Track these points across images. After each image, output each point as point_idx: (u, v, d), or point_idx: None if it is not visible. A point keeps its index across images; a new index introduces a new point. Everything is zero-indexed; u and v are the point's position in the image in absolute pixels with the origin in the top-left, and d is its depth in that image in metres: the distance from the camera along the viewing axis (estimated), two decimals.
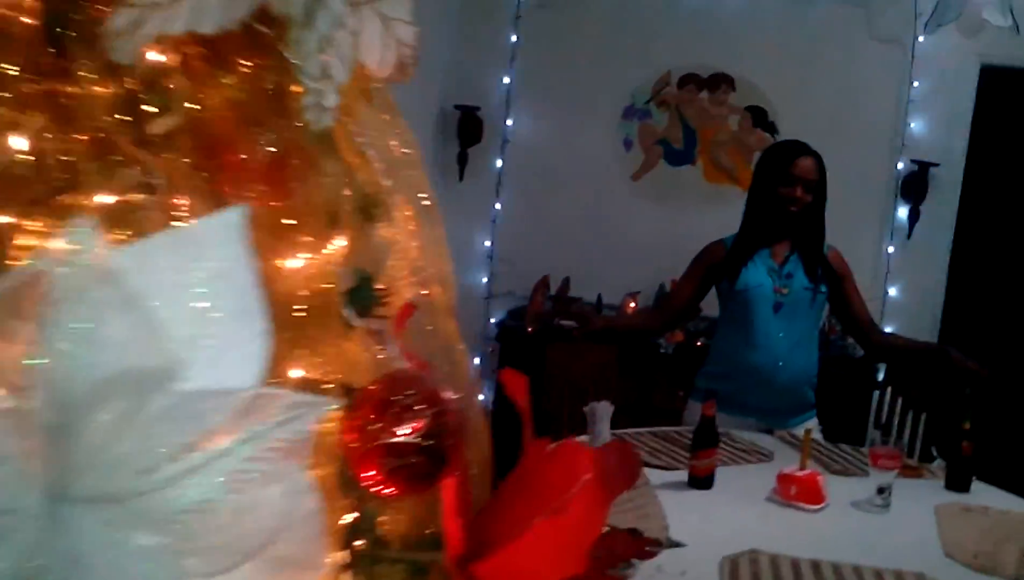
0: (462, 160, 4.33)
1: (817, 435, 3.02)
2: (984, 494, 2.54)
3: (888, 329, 4.24)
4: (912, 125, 4.18)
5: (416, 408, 0.80)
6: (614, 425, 2.61)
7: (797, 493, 2.33)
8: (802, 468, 2.37)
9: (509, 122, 4.36)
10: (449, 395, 0.85)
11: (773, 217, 2.97)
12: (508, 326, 4.16)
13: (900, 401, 3.14)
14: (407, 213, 0.97)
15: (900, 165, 4.20)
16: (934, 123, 4.18)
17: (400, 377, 0.84)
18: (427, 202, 0.98)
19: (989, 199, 4.30)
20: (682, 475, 2.41)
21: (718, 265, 3.02)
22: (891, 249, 4.25)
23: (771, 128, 4.27)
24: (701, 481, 2.39)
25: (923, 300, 4.27)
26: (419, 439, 0.79)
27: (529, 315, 3.06)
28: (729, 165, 4.18)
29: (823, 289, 2.93)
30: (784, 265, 2.95)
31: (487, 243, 4.43)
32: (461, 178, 4.35)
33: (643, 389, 3.34)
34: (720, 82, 4.28)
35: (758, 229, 3.02)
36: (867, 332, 3.06)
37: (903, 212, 4.21)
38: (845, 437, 3.12)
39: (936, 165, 4.10)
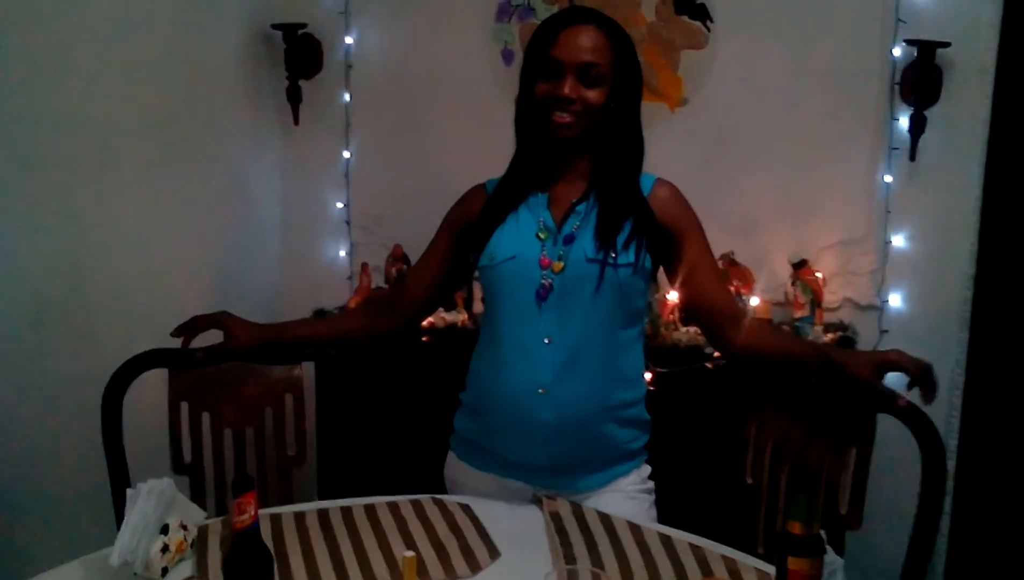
0: (294, 97, 3.23)
1: (636, 504, 1.81)
2: None
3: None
4: None
5: None
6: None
7: None
8: None
9: (349, 40, 3.22)
10: None
11: (538, 137, 1.77)
12: None
13: (771, 442, 1.84)
14: None
15: (896, 51, 2.78)
16: None
17: None
18: None
19: None
20: None
21: (472, 225, 1.85)
22: (889, 178, 2.85)
23: (702, 13, 2.95)
24: None
25: (944, 256, 2.86)
26: None
27: None
28: (647, 72, 2.88)
29: (629, 260, 1.70)
30: (566, 219, 1.75)
31: (339, 204, 3.33)
32: (296, 121, 3.27)
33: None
34: None
35: (524, 161, 1.83)
36: (721, 325, 1.80)
37: (904, 122, 2.80)
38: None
39: (946, 45, 2.68)
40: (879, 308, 2.91)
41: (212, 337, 1.90)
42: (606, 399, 1.76)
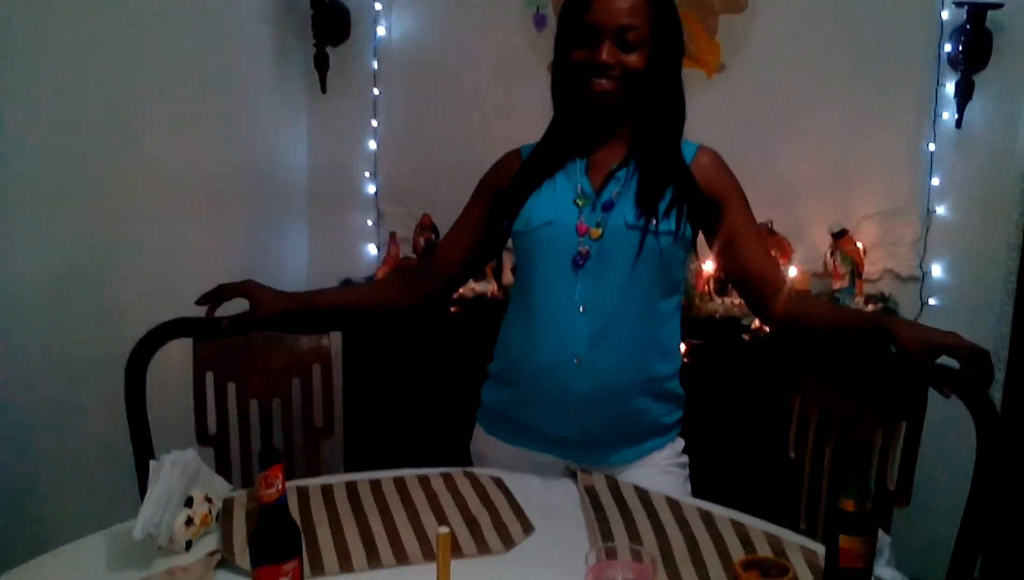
0: (322, 65, 3.18)
1: (671, 478, 1.75)
2: None
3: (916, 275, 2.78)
4: None
5: None
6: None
7: None
8: None
9: (378, 7, 3.16)
10: None
11: (576, 104, 1.71)
12: None
13: (816, 415, 1.77)
14: None
15: (944, 13, 2.68)
16: None
17: None
18: None
19: None
20: None
21: (507, 190, 1.79)
22: (933, 146, 2.75)
23: None
24: None
25: (989, 226, 2.77)
26: None
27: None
28: (685, 39, 2.80)
29: (670, 228, 1.63)
30: (605, 185, 1.68)
31: (367, 173, 3.28)
32: (324, 89, 3.21)
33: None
34: None
35: (561, 127, 1.77)
36: (766, 295, 1.73)
37: (951, 88, 2.70)
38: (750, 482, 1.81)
39: (998, 7, 2.57)
40: (920, 279, 2.83)
41: (238, 306, 1.86)
42: (642, 371, 1.70)
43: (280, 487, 1.21)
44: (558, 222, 1.68)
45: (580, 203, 1.69)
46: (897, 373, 1.61)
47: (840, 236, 2.73)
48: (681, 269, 1.75)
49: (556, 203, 1.70)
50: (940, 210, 2.78)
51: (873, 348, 1.60)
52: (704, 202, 1.71)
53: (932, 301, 2.81)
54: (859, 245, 2.74)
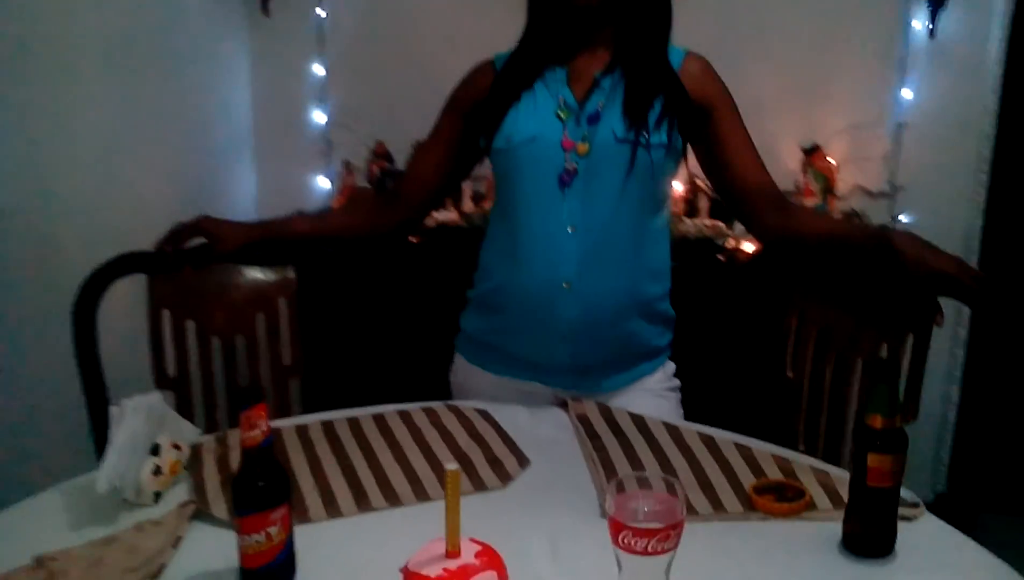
0: None
1: (665, 403, 1.67)
2: (923, 553, 1.17)
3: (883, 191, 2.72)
4: None
5: None
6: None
7: None
8: (451, 551, 1.05)
9: None
10: None
11: (554, 4, 1.58)
12: None
13: (815, 333, 1.69)
14: None
15: None
16: None
17: None
18: None
19: None
20: None
21: (482, 104, 1.66)
22: (905, 56, 2.68)
23: None
24: (252, 574, 1.11)
25: (957, 140, 2.71)
26: None
27: None
28: None
29: (661, 140, 1.52)
30: (589, 96, 1.56)
31: (315, 100, 3.11)
32: (266, 11, 3.02)
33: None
34: None
35: (538, 31, 1.63)
36: (764, 208, 1.64)
37: None
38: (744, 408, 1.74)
39: None
40: (891, 195, 2.77)
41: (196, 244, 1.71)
42: (634, 293, 1.60)
43: (265, 428, 1.10)
44: (541, 138, 1.56)
45: (563, 116, 1.58)
46: (904, 284, 1.54)
47: (812, 152, 2.66)
48: (669, 183, 1.65)
49: (538, 117, 1.58)
50: (911, 122, 2.71)
51: (878, 261, 1.51)
52: (695, 111, 1.61)
53: (903, 217, 2.75)
54: (831, 161, 2.66)
